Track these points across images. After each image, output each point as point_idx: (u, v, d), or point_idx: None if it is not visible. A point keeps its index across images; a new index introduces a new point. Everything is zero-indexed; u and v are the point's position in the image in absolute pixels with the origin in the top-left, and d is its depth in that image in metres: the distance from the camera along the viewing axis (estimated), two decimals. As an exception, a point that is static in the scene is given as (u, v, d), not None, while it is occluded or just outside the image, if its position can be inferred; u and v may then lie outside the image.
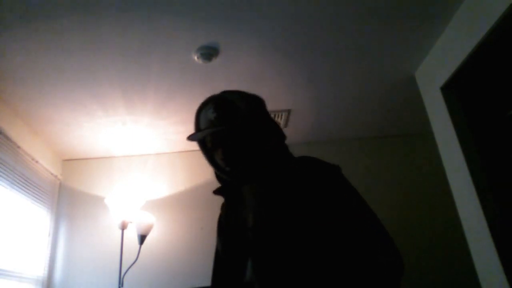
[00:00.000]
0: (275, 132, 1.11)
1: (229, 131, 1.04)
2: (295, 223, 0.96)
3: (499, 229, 1.80)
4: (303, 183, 1.01)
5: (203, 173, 3.13)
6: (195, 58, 2.13)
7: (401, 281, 0.97)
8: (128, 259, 2.72)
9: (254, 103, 1.10)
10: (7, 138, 2.45)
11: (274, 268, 0.95)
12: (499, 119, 2.00)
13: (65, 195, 3.13)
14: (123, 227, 2.74)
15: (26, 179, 2.65)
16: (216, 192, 1.16)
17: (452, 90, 2.12)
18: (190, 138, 1.08)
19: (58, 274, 2.88)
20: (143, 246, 2.76)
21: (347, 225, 0.96)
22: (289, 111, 2.77)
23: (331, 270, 0.92)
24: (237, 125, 1.03)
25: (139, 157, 3.24)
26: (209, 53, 2.09)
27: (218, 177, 1.15)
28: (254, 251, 1.00)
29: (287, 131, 3.27)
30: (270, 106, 2.87)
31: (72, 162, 3.25)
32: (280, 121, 2.87)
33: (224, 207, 1.20)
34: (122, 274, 2.66)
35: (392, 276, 0.96)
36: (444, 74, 2.08)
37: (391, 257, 0.99)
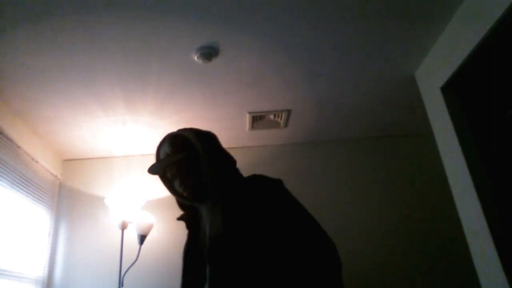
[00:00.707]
0: (225, 159, 1.28)
1: (182, 160, 1.23)
2: (244, 233, 1.10)
3: (499, 229, 1.80)
4: (249, 198, 1.16)
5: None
6: (195, 58, 2.13)
7: (339, 271, 1.06)
8: (128, 259, 2.72)
9: (204, 136, 1.29)
10: (7, 138, 2.45)
11: (227, 272, 1.08)
12: (499, 119, 2.00)
13: (65, 195, 3.13)
14: (123, 227, 2.74)
15: (26, 179, 2.65)
16: (180, 218, 1.36)
17: (452, 90, 2.12)
18: (151, 169, 1.27)
19: (58, 274, 2.88)
20: (143, 246, 2.76)
21: (283, 228, 1.10)
22: (289, 111, 2.77)
23: (275, 271, 1.06)
24: (190, 155, 1.22)
25: (139, 157, 3.24)
26: (209, 53, 2.09)
27: (180, 205, 1.35)
28: (211, 258, 1.13)
29: (287, 131, 3.26)
30: (270, 106, 2.89)
31: (72, 162, 3.25)
32: (280, 121, 2.88)
33: (188, 235, 1.38)
34: (122, 274, 2.66)
35: (327, 267, 1.06)
36: (444, 74, 2.08)
37: (321, 248, 1.08)
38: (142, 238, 2.74)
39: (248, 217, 1.12)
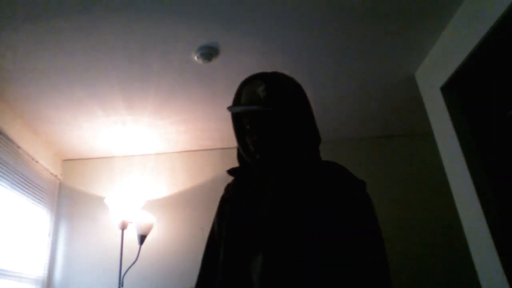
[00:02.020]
0: (315, 133, 1.08)
1: (276, 116, 0.99)
2: (310, 226, 0.92)
3: (499, 229, 1.80)
4: (326, 189, 0.97)
5: (203, 173, 3.13)
6: (195, 58, 2.13)
7: None
8: (128, 259, 2.72)
9: (304, 96, 1.08)
10: (7, 138, 2.45)
11: (286, 266, 0.90)
12: (499, 119, 2.00)
13: (65, 195, 3.13)
14: (123, 227, 2.74)
15: (26, 179, 2.65)
16: (230, 172, 1.12)
17: (452, 90, 2.12)
18: (232, 109, 1.04)
19: (58, 274, 2.88)
20: (143, 246, 2.76)
21: (352, 246, 0.92)
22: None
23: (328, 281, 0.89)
24: (286, 113, 0.99)
25: (139, 157, 3.24)
26: (209, 53, 2.09)
27: (239, 157, 1.11)
28: (268, 245, 0.93)
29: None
30: (270, 106, 2.85)
31: (72, 162, 3.25)
32: (280, 121, 2.87)
33: (231, 189, 1.13)
34: (122, 274, 2.66)
35: None
36: (444, 74, 2.08)
37: (382, 276, 0.91)
38: (142, 238, 2.74)
39: (322, 208, 0.93)
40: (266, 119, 0.99)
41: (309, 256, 0.89)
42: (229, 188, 1.15)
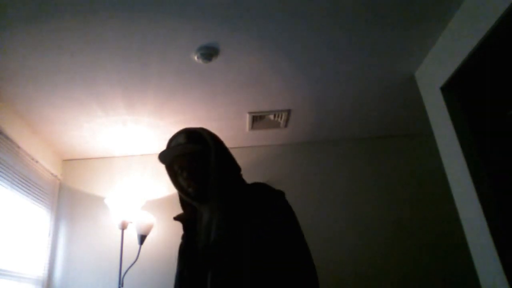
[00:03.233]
0: (233, 163, 1.29)
1: (195, 153, 1.24)
2: (244, 240, 1.10)
3: (499, 229, 1.80)
4: (252, 206, 1.16)
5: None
6: (195, 58, 2.13)
7: None
8: (128, 259, 2.72)
9: (217, 138, 1.31)
10: (7, 138, 2.45)
11: (229, 279, 1.08)
12: (499, 119, 2.00)
13: (65, 195, 3.13)
14: (123, 227, 2.74)
15: (26, 179, 2.65)
16: (176, 218, 1.33)
17: (452, 90, 2.12)
18: (162, 156, 1.27)
19: (58, 274, 2.88)
20: (143, 246, 2.76)
21: (276, 243, 1.10)
22: (289, 111, 2.77)
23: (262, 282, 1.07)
24: (203, 150, 1.23)
25: (139, 157, 3.24)
26: (209, 53, 2.09)
27: (181, 202, 1.33)
28: (214, 263, 1.12)
29: (287, 131, 3.26)
30: (270, 106, 2.88)
31: (72, 162, 3.25)
32: (280, 121, 2.88)
33: (184, 236, 1.33)
34: (122, 274, 2.66)
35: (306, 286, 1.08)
36: (444, 74, 2.08)
37: (304, 269, 1.10)
38: (142, 238, 2.74)
39: (248, 226, 1.12)
40: (190, 157, 1.24)
41: (243, 270, 1.07)
42: (183, 236, 1.35)
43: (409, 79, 2.45)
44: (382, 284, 2.74)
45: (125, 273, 2.69)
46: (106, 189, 3.10)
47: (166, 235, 2.96)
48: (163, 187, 3.13)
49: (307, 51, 2.16)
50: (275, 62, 2.24)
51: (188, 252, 1.26)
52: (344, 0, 1.81)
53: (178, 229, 3.18)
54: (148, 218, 2.77)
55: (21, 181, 2.58)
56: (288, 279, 1.06)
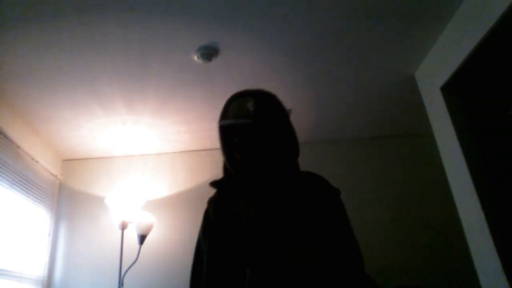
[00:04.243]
0: (296, 145, 1.15)
1: (263, 129, 1.05)
2: (296, 235, 0.96)
3: (499, 229, 1.80)
4: (305, 199, 1.02)
5: (203, 173, 3.13)
6: (195, 58, 2.13)
7: None
8: (128, 259, 2.72)
9: (286, 112, 1.16)
10: (7, 138, 2.45)
11: (274, 281, 0.92)
12: (499, 119, 2.00)
13: (65, 195, 3.13)
14: (123, 227, 2.74)
15: (26, 179, 2.65)
16: (213, 184, 1.18)
17: (452, 90, 2.12)
18: (223, 122, 1.09)
19: (58, 274, 2.88)
20: (143, 246, 2.76)
21: (330, 246, 0.99)
22: (289, 111, 2.76)
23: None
24: (272, 126, 1.06)
25: (139, 157, 3.24)
26: (209, 53, 2.09)
27: (225, 169, 1.16)
28: (256, 260, 0.95)
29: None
30: (270, 106, 2.85)
31: (72, 162, 3.25)
32: (280, 121, 2.87)
33: (213, 203, 1.16)
34: (122, 274, 2.66)
35: None
36: (444, 74, 2.08)
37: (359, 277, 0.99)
38: (142, 238, 2.74)
39: (301, 218, 0.98)
40: (254, 131, 1.06)
41: (292, 268, 0.93)
42: (211, 202, 1.18)
43: (409, 79, 2.45)
44: (382, 284, 2.74)
45: (125, 273, 2.69)
46: (106, 189, 3.10)
47: (166, 235, 2.96)
48: (163, 187, 3.13)
49: (307, 51, 2.16)
50: (275, 62, 2.24)
51: (218, 232, 1.06)
52: (344, 0, 1.81)
53: (178, 229, 3.19)
54: (148, 218, 2.77)
55: (21, 181, 2.58)
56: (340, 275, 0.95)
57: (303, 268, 0.94)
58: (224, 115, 1.12)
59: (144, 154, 3.23)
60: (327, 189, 1.07)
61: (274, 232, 0.97)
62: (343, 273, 0.96)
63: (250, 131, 1.05)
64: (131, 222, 2.80)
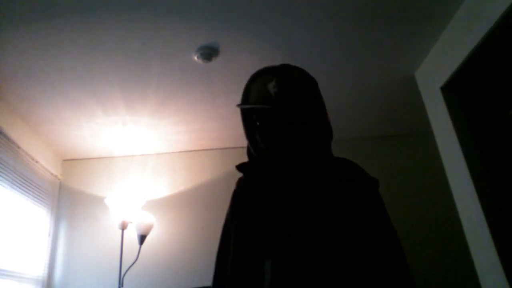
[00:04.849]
0: (327, 129, 1.03)
1: (287, 113, 0.92)
2: (326, 229, 0.87)
3: (499, 229, 1.80)
4: (339, 190, 0.93)
5: (203, 173, 3.13)
6: (195, 58, 2.13)
7: None
8: (128, 259, 2.72)
9: (316, 90, 1.02)
10: (7, 138, 2.45)
11: (296, 275, 0.85)
12: (499, 119, 2.00)
13: (65, 195, 3.13)
14: (123, 227, 2.74)
15: (26, 179, 2.64)
16: (240, 167, 1.06)
17: (452, 90, 2.12)
18: (242, 106, 0.99)
19: (58, 274, 2.88)
20: (143, 246, 2.76)
21: (369, 247, 0.88)
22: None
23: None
24: (297, 110, 0.93)
25: (139, 157, 3.24)
26: (209, 53, 2.09)
27: (249, 153, 1.05)
28: (278, 252, 0.89)
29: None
30: (270, 106, 2.85)
31: (72, 162, 3.25)
32: (280, 121, 2.87)
33: (242, 186, 1.07)
34: (122, 274, 2.66)
35: None
36: (444, 74, 2.08)
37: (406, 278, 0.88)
38: (142, 238, 2.74)
39: (333, 210, 0.89)
40: (278, 116, 0.93)
41: (320, 263, 0.85)
42: (240, 184, 1.08)
43: (409, 79, 2.45)
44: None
45: (125, 273, 2.69)
46: (106, 189, 3.10)
47: (166, 235, 2.96)
48: (163, 187, 3.13)
49: (307, 51, 2.16)
50: (275, 62, 2.23)
51: (245, 223, 0.97)
52: (344, 0, 1.81)
53: (178, 229, 3.19)
54: (148, 218, 2.77)
55: (21, 181, 2.58)
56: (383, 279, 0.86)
57: (329, 267, 0.85)
58: (246, 96, 1.00)
59: (144, 154, 3.23)
60: (364, 181, 0.97)
61: (299, 227, 0.89)
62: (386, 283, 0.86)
63: (273, 115, 0.93)
64: (131, 222, 2.80)
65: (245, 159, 1.09)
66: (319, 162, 0.98)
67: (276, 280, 0.86)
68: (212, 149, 3.19)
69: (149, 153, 3.23)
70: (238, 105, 0.99)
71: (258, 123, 0.96)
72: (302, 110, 0.95)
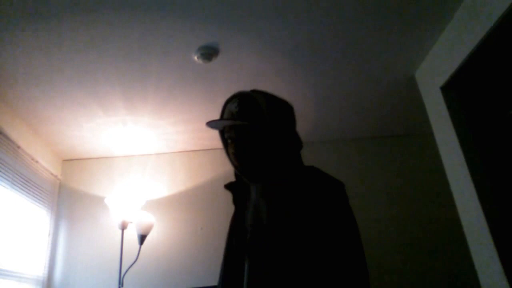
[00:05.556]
0: (292, 140, 1.12)
1: (244, 127, 1.05)
2: (291, 231, 0.98)
3: (499, 229, 1.80)
4: (306, 194, 1.02)
5: (203, 173, 3.13)
6: (195, 58, 2.13)
7: None
8: (128, 259, 2.72)
9: (278, 108, 1.11)
10: (7, 138, 2.45)
11: (265, 272, 0.98)
12: (499, 119, 2.00)
13: (65, 195, 3.13)
14: (123, 227, 2.74)
15: (26, 179, 2.65)
16: (226, 186, 1.19)
17: (452, 90, 2.12)
18: (208, 123, 1.10)
19: (58, 274, 2.88)
20: (143, 246, 2.76)
21: (330, 247, 0.97)
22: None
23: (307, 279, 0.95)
24: (254, 124, 1.05)
25: (139, 157, 3.24)
26: (209, 53, 2.09)
27: (234, 171, 1.17)
28: (251, 253, 1.03)
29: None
30: (270, 106, 2.84)
31: (72, 162, 3.25)
32: (280, 121, 2.87)
33: (234, 211, 1.20)
34: (122, 274, 2.66)
35: None
36: (444, 74, 2.08)
37: (357, 273, 0.97)
38: (142, 238, 2.74)
39: (298, 216, 0.99)
40: (238, 130, 1.07)
41: (290, 264, 0.96)
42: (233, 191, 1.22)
43: (409, 79, 2.45)
44: (381, 283, 2.74)
45: (125, 273, 2.69)
46: (106, 189, 3.10)
47: (166, 235, 2.96)
48: (163, 187, 3.13)
49: (307, 51, 2.16)
50: (275, 62, 2.24)
51: (236, 230, 1.13)
52: (344, 1, 1.81)
53: (178, 229, 3.19)
54: (148, 218, 2.77)
55: (21, 181, 2.58)
56: (338, 280, 0.94)
57: (298, 268, 0.95)
58: (220, 118, 1.15)
59: (144, 154, 3.23)
60: (328, 186, 1.05)
61: (271, 232, 1.01)
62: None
63: (237, 131, 1.07)
64: (131, 222, 2.80)
65: None
66: (285, 172, 1.08)
67: (250, 280, 1.01)
68: (212, 149, 3.19)
69: (149, 153, 3.23)
70: (206, 123, 1.11)
71: (229, 141, 1.10)
72: (260, 126, 1.05)
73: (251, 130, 1.05)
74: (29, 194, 2.69)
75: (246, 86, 2.56)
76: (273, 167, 1.07)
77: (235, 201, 1.18)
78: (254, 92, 1.14)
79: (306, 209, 0.99)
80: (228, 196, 1.19)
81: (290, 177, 1.07)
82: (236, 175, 1.18)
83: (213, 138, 3.07)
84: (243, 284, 1.03)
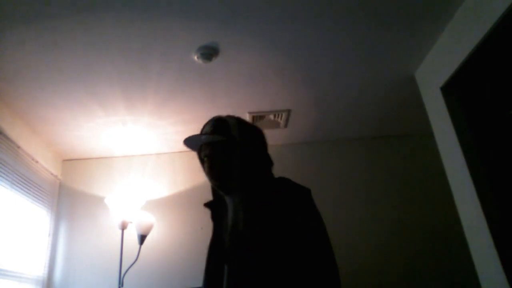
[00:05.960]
0: (261, 157, 1.24)
1: (217, 143, 1.19)
2: (264, 237, 1.08)
3: (499, 229, 1.80)
4: (275, 201, 1.13)
5: (203, 173, 3.12)
6: (195, 58, 2.13)
7: None
8: (128, 259, 2.72)
9: (247, 129, 1.25)
10: (7, 138, 2.45)
11: (243, 277, 1.08)
12: (499, 119, 2.00)
13: (65, 195, 3.13)
14: (123, 227, 2.74)
15: (26, 179, 2.65)
16: (206, 205, 1.31)
17: (452, 90, 2.12)
18: (186, 141, 1.23)
19: (58, 274, 2.88)
20: (143, 246, 2.76)
21: (299, 242, 1.07)
22: (289, 111, 2.77)
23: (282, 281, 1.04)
24: (226, 141, 1.18)
25: (139, 157, 3.24)
26: (209, 53, 2.09)
27: (212, 189, 1.30)
28: (229, 258, 1.13)
29: (287, 131, 3.26)
30: (270, 106, 2.88)
31: (72, 162, 3.25)
32: (280, 121, 2.87)
33: (213, 226, 1.32)
34: (122, 274, 2.66)
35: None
36: (444, 74, 2.08)
37: (327, 270, 1.07)
38: (142, 238, 2.74)
39: (270, 222, 1.09)
40: (212, 147, 1.21)
41: (265, 266, 1.05)
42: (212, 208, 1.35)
43: (409, 79, 2.45)
44: (381, 284, 2.74)
45: (125, 273, 2.69)
46: (106, 189, 3.10)
47: (166, 235, 2.96)
48: (163, 187, 3.13)
49: (307, 51, 2.16)
50: (275, 62, 2.24)
51: (216, 245, 1.26)
52: (344, 0, 1.81)
53: (178, 229, 3.19)
54: (148, 218, 2.77)
55: (21, 181, 2.58)
56: (308, 281, 1.03)
57: (272, 270, 1.05)
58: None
59: (144, 154, 3.23)
60: (294, 193, 1.16)
61: (247, 238, 1.12)
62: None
63: (209, 149, 1.21)
64: (131, 222, 2.80)
65: None
66: (257, 184, 1.18)
67: (229, 283, 1.11)
68: (212, 149, 3.18)
69: (149, 153, 3.23)
70: (184, 141, 1.24)
71: (204, 158, 1.24)
72: (233, 143, 1.18)
73: (223, 146, 1.19)
74: (29, 194, 2.69)
75: (246, 86, 2.57)
76: (245, 179, 1.18)
77: (214, 217, 1.30)
78: (228, 116, 1.27)
79: (277, 215, 1.10)
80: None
81: (262, 188, 1.17)
82: (213, 192, 1.30)
83: (213, 138, 3.07)
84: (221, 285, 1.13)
